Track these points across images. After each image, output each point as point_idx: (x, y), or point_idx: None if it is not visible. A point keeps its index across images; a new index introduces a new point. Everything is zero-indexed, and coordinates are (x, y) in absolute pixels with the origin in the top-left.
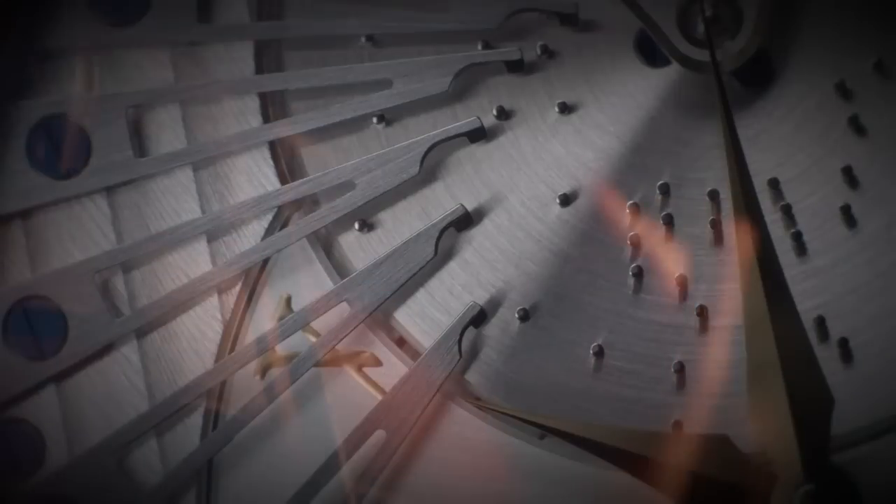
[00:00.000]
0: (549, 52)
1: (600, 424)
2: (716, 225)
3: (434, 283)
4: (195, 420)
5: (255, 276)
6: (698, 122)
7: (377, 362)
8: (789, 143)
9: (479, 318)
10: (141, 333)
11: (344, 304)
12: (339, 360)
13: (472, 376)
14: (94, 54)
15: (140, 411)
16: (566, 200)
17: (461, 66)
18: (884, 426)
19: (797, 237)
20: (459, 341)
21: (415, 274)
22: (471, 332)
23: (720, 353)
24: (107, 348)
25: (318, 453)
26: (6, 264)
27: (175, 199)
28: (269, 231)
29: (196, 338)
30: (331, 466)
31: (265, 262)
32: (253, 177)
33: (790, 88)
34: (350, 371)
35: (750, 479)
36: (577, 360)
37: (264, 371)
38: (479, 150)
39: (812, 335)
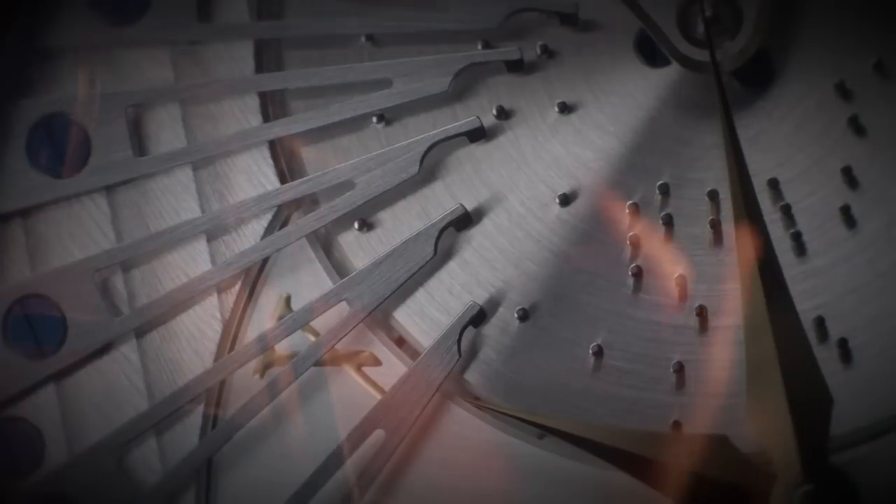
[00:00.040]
0: (548, 52)
1: (599, 424)
2: (715, 225)
3: (433, 283)
4: (194, 419)
5: (254, 275)
6: (698, 122)
7: (376, 362)
8: (789, 144)
9: (479, 317)
10: (140, 332)
11: (343, 304)
12: (338, 360)
13: (472, 376)
14: (94, 53)
15: (139, 410)
16: (566, 200)
17: (461, 66)
18: (883, 427)
19: (797, 237)
20: (459, 341)
21: (414, 273)
22: (470, 331)
23: (719, 354)
24: (106, 347)
25: (318, 453)
26: (6, 263)
27: (175, 199)
28: (269, 230)
29: (195, 337)
30: (330, 466)
31: (265, 261)
32: (252, 176)
33: (790, 88)
34: (349, 370)
35: (749, 480)
36: (576, 359)
37: (264, 370)
38: (478, 149)
39: (811, 335)
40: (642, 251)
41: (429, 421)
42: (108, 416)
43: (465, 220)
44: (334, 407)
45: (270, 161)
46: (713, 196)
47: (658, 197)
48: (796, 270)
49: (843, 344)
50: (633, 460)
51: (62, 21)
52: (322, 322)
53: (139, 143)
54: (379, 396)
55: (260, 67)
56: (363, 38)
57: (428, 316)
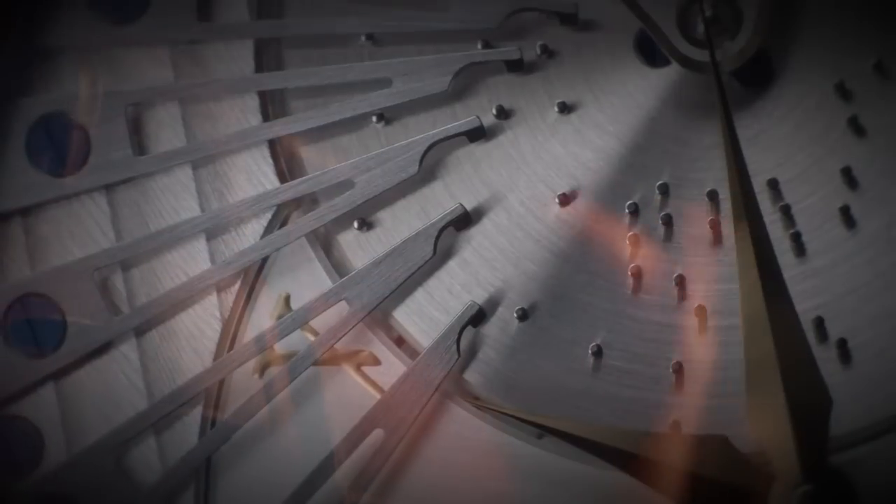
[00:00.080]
0: (548, 52)
1: (599, 424)
2: (715, 225)
3: (433, 283)
4: (194, 418)
5: (254, 274)
6: (698, 123)
7: (376, 361)
8: (789, 144)
9: (478, 317)
10: (140, 332)
11: (343, 303)
12: (337, 359)
13: (471, 375)
14: (93, 52)
15: (139, 409)
16: (565, 200)
17: (461, 66)
18: (882, 427)
19: (796, 238)
20: (458, 340)
21: (414, 273)
22: (469, 331)
23: (719, 354)
24: (105, 346)
25: (317, 452)
26: (5, 262)
27: (174, 198)
28: (269, 230)
29: (195, 336)
30: (329, 465)
31: (264, 260)
32: (252, 175)
33: (790, 88)
34: (348, 370)
35: (748, 480)
36: (575, 359)
37: (263, 370)
38: (478, 149)
39: (811, 336)
40: (642, 251)
41: (428, 420)
42: (107, 415)
43: (464, 220)
44: (333, 406)
45: (270, 160)
46: (713, 196)
47: (657, 197)
48: (796, 271)
49: (842, 344)
50: (633, 460)
51: (62, 20)
52: (321, 321)
53: (139, 143)
54: (378, 396)
55: (260, 67)
56: (363, 38)
57: (427, 315)
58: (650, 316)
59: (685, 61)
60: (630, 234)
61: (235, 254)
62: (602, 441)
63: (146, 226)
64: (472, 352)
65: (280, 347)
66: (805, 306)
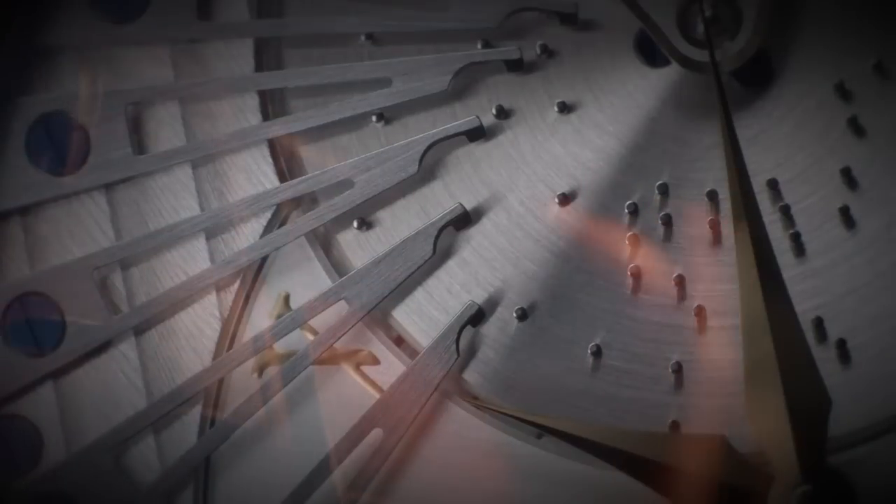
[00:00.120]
0: (548, 52)
1: (598, 424)
2: (714, 225)
3: (432, 282)
4: (193, 417)
5: (253, 273)
6: (698, 123)
7: (375, 361)
8: (788, 144)
9: (478, 316)
10: (139, 331)
11: (342, 303)
12: (336, 359)
13: (470, 375)
14: (93, 51)
15: (138, 408)
16: (565, 200)
17: (461, 65)
18: (882, 427)
19: (796, 238)
20: (457, 340)
21: (413, 272)
22: (469, 330)
23: (718, 354)
24: (105, 345)
25: (316, 451)
26: (4, 261)
27: (174, 197)
28: (268, 229)
29: (194, 335)
30: (328, 464)
31: (263, 259)
32: (252, 174)
33: (790, 89)
34: (348, 369)
35: (747, 480)
36: (575, 359)
37: (262, 369)
38: (478, 149)
39: (810, 336)
40: (641, 251)
41: (427, 420)
42: (106, 415)
43: (464, 220)
44: (332, 406)
45: (270, 159)
46: (712, 196)
47: (657, 197)
48: (795, 271)
49: (841, 345)
50: (632, 460)
51: (62, 19)
52: (321, 321)
53: (138, 142)
54: (377, 395)
55: (260, 66)
56: (363, 37)
57: (427, 315)
58: (649, 316)
59: (685, 61)
60: (630, 234)
61: (235, 253)
62: (601, 441)
63: (146, 225)
64: (472, 351)
65: (279, 347)
66: (804, 306)
